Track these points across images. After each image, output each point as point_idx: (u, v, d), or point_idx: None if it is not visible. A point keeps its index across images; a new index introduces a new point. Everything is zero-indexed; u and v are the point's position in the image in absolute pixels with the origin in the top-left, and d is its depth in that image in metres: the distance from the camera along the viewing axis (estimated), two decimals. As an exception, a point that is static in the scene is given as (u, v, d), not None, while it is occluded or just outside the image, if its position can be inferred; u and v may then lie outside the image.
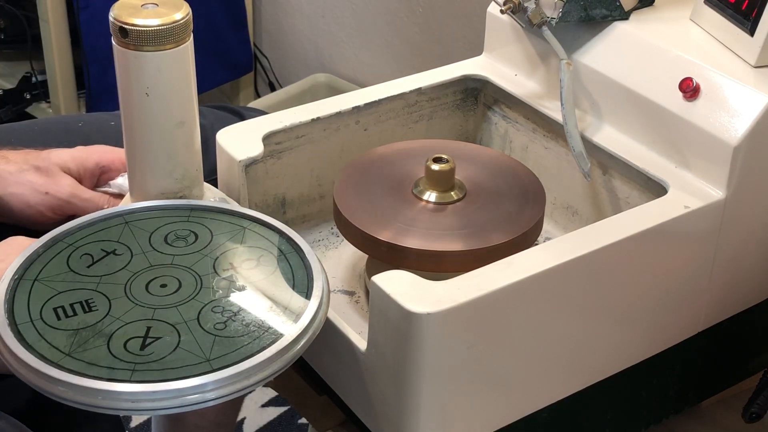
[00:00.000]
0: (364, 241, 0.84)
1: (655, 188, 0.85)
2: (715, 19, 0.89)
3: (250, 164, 0.88)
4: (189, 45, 0.78)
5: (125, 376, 0.66)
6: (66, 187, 0.92)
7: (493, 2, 0.97)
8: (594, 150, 0.89)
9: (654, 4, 0.94)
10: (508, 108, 1.00)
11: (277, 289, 0.74)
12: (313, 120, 0.93)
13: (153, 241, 0.78)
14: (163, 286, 0.74)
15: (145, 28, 0.76)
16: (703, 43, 0.89)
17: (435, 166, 0.86)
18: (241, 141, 0.89)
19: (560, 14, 0.89)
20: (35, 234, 0.81)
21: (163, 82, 0.78)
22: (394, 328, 0.71)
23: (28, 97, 2.24)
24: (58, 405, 0.67)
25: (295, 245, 0.78)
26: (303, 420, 1.72)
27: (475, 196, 0.87)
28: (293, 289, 0.74)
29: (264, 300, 0.73)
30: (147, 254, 0.77)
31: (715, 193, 0.82)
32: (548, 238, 0.96)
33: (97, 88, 2.04)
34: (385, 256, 0.83)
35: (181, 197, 0.83)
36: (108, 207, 0.91)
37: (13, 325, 0.70)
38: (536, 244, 0.80)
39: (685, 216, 0.80)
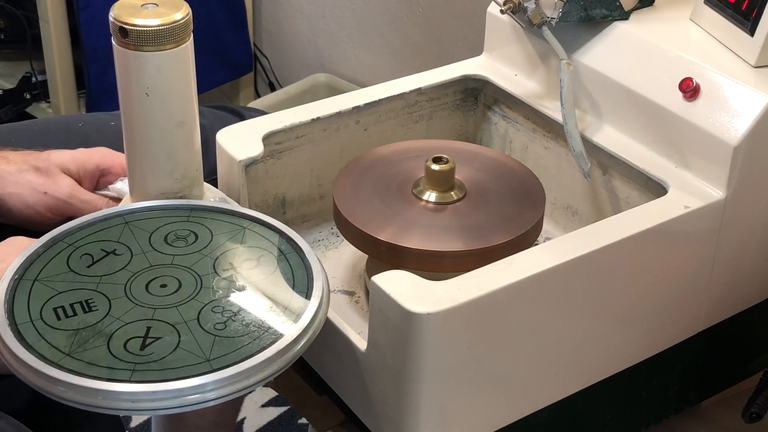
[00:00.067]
0: (364, 241, 0.84)
1: (655, 188, 0.85)
2: (715, 19, 0.89)
3: (250, 164, 0.88)
4: (189, 45, 0.78)
5: (125, 376, 0.66)
6: (65, 188, 0.92)
7: (493, 2, 0.97)
8: (594, 150, 0.89)
9: (654, 4, 0.94)
10: (508, 108, 1.00)
11: (277, 289, 0.74)
12: (313, 120, 0.93)
13: (153, 241, 0.78)
14: (163, 286, 0.74)
15: (145, 28, 0.76)
16: (703, 43, 0.89)
17: (435, 166, 0.86)
18: (241, 141, 0.89)
19: (560, 14, 0.89)
20: (35, 235, 0.81)
21: (163, 82, 0.78)
22: (394, 328, 0.71)
23: (28, 97, 2.24)
24: (58, 405, 0.67)
25: (295, 245, 0.78)
26: (303, 420, 1.72)
27: (475, 196, 0.87)
28: (293, 289, 0.74)
29: (264, 300, 0.73)
30: (147, 254, 0.77)
31: (715, 193, 0.82)
32: (548, 238, 0.96)
33: (97, 88, 2.04)
34: (385, 256, 0.83)
35: (181, 197, 0.83)
36: None
37: (13, 325, 0.70)
38: (536, 244, 0.80)
39: (685, 216, 0.80)
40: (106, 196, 0.95)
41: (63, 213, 0.92)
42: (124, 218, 0.80)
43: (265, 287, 0.75)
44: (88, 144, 0.98)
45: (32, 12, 2.14)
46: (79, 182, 0.94)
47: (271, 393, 1.76)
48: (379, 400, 0.76)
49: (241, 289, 0.74)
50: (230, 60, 2.27)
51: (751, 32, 0.85)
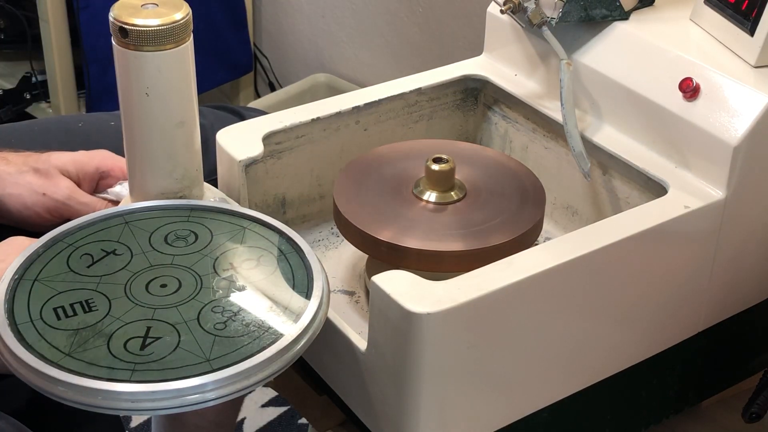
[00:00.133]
0: (364, 241, 0.84)
1: (655, 188, 0.85)
2: (715, 19, 0.89)
3: (250, 164, 0.88)
4: (189, 45, 0.78)
5: (125, 376, 0.66)
6: (64, 189, 0.92)
7: (493, 2, 0.97)
8: (594, 150, 0.89)
9: (654, 4, 0.94)
10: (508, 108, 1.00)
11: (277, 289, 0.74)
12: (313, 120, 0.93)
13: (153, 241, 0.78)
14: (163, 286, 0.74)
15: (145, 28, 0.76)
16: (703, 43, 0.89)
17: (435, 166, 0.86)
18: (241, 141, 0.89)
19: (560, 14, 0.89)
20: (35, 235, 0.81)
21: (163, 82, 0.78)
22: (394, 328, 0.71)
23: (28, 97, 2.24)
24: (58, 405, 0.67)
25: (295, 245, 0.78)
26: (303, 420, 1.72)
27: (475, 196, 0.87)
28: (293, 289, 0.74)
29: (264, 300, 0.73)
30: (147, 254, 0.77)
31: (715, 193, 0.82)
32: (548, 238, 0.96)
33: (97, 88, 2.04)
34: (385, 256, 0.83)
35: (181, 197, 0.83)
36: None
37: (13, 325, 0.70)
38: (536, 244, 0.80)
39: (685, 216, 0.80)
40: (104, 199, 0.95)
41: (61, 214, 0.92)
42: (124, 218, 0.80)
43: (265, 287, 0.75)
44: (88, 144, 0.98)
45: (32, 12, 2.15)
46: (78, 184, 0.94)
47: (271, 393, 1.76)
48: (379, 400, 0.76)
49: (241, 289, 0.74)
50: (230, 60, 2.27)
51: (751, 32, 0.85)
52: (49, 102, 2.21)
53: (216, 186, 0.89)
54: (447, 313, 0.70)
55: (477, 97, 1.02)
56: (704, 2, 0.90)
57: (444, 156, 0.86)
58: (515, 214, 0.85)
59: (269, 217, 0.81)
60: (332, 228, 0.97)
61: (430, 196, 0.86)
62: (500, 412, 0.79)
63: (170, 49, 0.77)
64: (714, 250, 0.84)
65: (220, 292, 0.74)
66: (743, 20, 0.86)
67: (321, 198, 0.97)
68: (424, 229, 0.83)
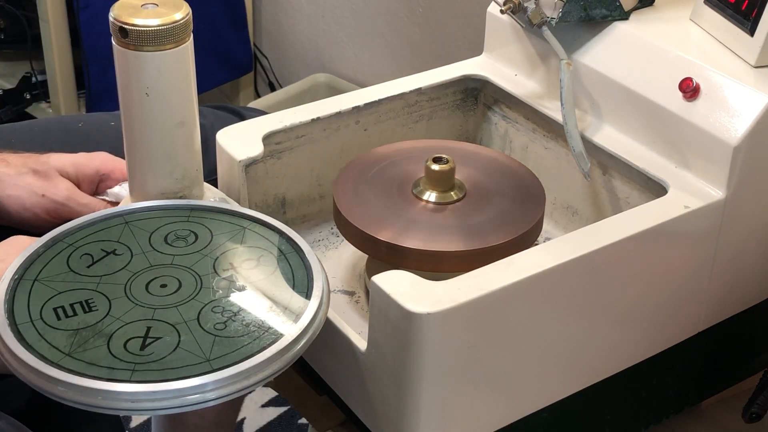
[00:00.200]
0: (364, 241, 0.84)
1: (655, 188, 0.85)
2: (715, 19, 0.89)
3: (250, 164, 0.88)
4: (189, 45, 0.78)
5: (125, 376, 0.66)
6: (63, 191, 0.92)
7: (493, 2, 0.97)
8: (594, 150, 0.89)
9: (654, 4, 0.94)
10: (508, 108, 1.00)
11: (277, 289, 0.74)
12: (313, 120, 0.93)
13: (153, 241, 0.78)
14: (163, 286, 0.74)
15: (145, 28, 0.76)
16: (703, 43, 0.89)
17: (435, 166, 0.86)
18: (241, 141, 0.89)
19: (560, 14, 0.89)
20: (34, 236, 0.81)
21: (163, 82, 0.78)
22: (394, 328, 0.71)
23: (28, 97, 2.24)
24: (58, 405, 0.67)
25: (295, 245, 0.78)
26: (303, 420, 1.72)
27: (475, 196, 0.87)
28: (293, 289, 0.74)
29: (264, 300, 0.73)
30: (147, 254, 0.77)
31: (715, 193, 0.82)
32: (548, 238, 0.96)
33: (97, 88, 2.04)
34: (385, 256, 0.83)
35: (181, 197, 0.83)
36: None
37: (13, 325, 0.70)
38: (536, 244, 0.80)
39: (685, 216, 0.80)
40: (103, 200, 0.95)
41: (61, 216, 0.92)
42: (124, 218, 0.80)
43: (265, 287, 0.75)
44: (88, 144, 0.98)
45: (32, 12, 2.14)
46: (78, 185, 0.94)
47: (271, 393, 1.76)
48: (379, 400, 0.76)
49: (241, 289, 0.74)
50: (230, 60, 2.27)
51: (751, 32, 0.85)
52: (49, 102, 2.21)
53: (216, 186, 0.89)
54: (447, 313, 0.70)
55: (477, 97, 1.02)
56: (704, 2, 0.90)
57: (444, 156, 0.86)
58: (515, 214, 0.85)
59: (269, 217, 0.81)
60: (332, 228, 0.97)
61: (430, 196, 0.86)
62: (500, 412, 0.79)
63: (170, 49, 0.77)
64: (714, 250, 0.84)
65: (220, 292, 0.74)
66: (743, 20, 0.86)
67: (321, 198, 0.97)
68: (424, 229, 0.83)
